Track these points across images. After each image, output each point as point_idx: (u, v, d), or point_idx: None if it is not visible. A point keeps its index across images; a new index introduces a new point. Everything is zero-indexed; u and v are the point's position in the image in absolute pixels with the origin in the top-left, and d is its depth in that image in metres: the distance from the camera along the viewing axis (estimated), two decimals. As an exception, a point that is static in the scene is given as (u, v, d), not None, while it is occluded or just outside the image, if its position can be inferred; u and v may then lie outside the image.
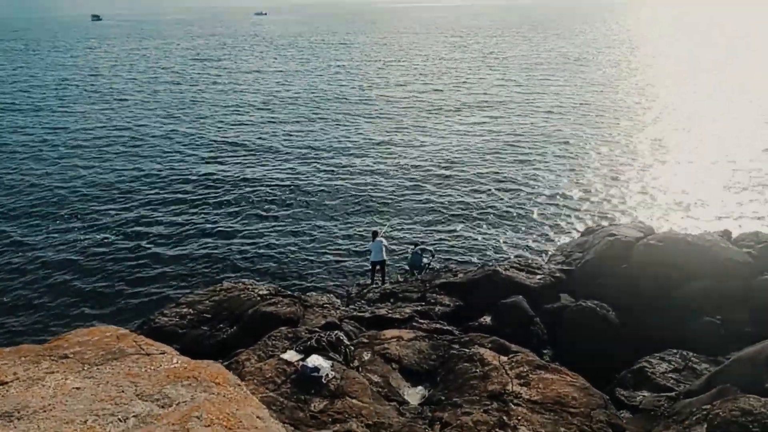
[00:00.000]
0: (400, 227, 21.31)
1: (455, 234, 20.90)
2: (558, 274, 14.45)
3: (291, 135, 34.91)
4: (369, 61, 69.73)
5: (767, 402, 6.67)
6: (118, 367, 4.57)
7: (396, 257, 18.74)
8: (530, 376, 8.46)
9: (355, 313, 13.24)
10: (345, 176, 27.12)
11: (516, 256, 17.59)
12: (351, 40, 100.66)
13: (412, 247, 17.51)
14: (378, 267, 16.65)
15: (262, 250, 19.93)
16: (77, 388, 4.20)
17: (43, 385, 4.23)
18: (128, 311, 16.08)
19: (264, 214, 22.93)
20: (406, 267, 17.31)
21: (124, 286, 17.64)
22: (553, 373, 8.52)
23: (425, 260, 16.49)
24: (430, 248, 17.46)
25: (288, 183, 26.36)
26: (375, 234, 16.94)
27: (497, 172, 27.37)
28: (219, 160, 30.01)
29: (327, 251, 19.79)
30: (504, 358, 9.21)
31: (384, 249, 16.48)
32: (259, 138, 34.23)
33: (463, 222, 21.86)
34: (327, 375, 8.66)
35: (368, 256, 17.03)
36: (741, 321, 12.01)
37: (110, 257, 19.40)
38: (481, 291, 13.74)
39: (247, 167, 28.69)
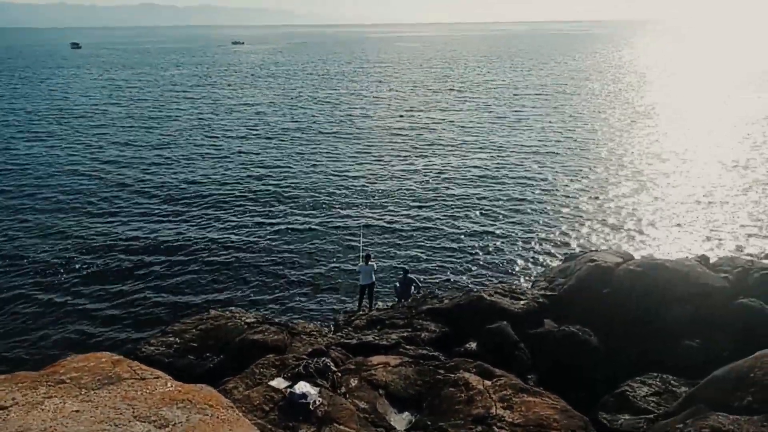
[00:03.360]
0: (387, 253, 21.56)
1: (440, 260, 21.19)
2: (541, 300, 14.74)
3: (274, 164, 35.29)
4: (351, 92, 70.78)
5: (735, 419, 7.00)
6: (115, 391, 4.73)
7: (383, 283, 18.92)
8: (513, 399, 8.67)
9: (342, 340, 13.35)
10: (331, 204, 27.43)
11: (499, 282, 17.89)
12: (329, 69, 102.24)
13: (401, 274, 17.68)
14: (366, 291, 16.85)
15: (249, 279, 20.02)
16: (76, 411, 4.35)
17: (43, 409, 4.37)
18: (114, 341, 16.00)
19: (250, 242, 23.06)
20: (395, 295, 17.47)
21: (110, 315, 17.58)
22: (535, 396, 8.74)
23: (413, 290, 16.68)
24: (417, 279, 17.46)
25: (272, 212, 26.58)
26: (368, 257, 17.02)
27: (480, 199, 27.89)
28: (201, 188, 30.18)
29: (314, 279, 19.94)
30: (488, 383, 9.40)
31: (373, 273, 16.71)
32: (242, 166, 34.53)
33: (447, 248, 22.18)
34: (314, 402, 8.76)
35: (357, 278, 17.20)
36: (719, 345, 12.35)
37: (94, 288, 19.32)
38: (466, 317, 13.96)
39: (232, 196, 28.87)
